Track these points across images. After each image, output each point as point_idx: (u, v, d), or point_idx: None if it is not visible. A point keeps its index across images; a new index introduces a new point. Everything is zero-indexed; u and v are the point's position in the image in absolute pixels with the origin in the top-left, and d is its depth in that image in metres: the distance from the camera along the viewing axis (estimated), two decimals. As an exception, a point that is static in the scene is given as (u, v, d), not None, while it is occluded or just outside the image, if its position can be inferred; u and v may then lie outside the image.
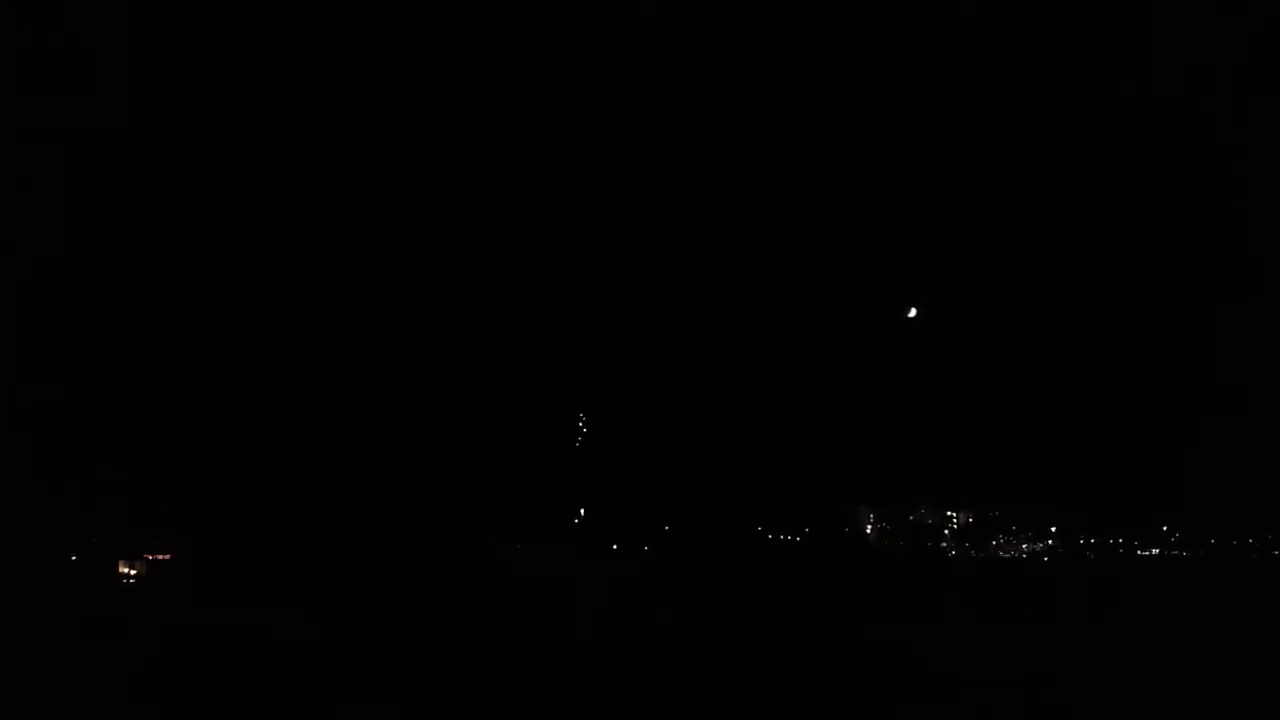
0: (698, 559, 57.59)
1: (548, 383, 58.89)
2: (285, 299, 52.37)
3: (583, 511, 60.28)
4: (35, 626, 22.88)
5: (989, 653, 18.33)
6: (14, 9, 42.96)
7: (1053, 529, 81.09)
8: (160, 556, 45.95)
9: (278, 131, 52.85)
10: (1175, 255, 60.24)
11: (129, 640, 20.39)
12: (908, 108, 60.71)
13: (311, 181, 52.55)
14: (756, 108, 60.60)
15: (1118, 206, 61.76)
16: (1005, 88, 59.61)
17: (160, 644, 19.42)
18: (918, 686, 14.04)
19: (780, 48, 57.99)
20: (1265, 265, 57.16)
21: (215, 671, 15.52)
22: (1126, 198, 61.37)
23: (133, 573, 43.83)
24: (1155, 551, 79.41)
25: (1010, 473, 68.64)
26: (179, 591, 37.78)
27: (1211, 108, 55.46)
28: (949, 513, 79.09)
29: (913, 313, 63.72)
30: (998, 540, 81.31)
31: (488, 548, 52.25)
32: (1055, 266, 63.57)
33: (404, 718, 12.04)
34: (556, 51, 56.14)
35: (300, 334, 52.49)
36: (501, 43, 55.90)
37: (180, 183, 51.29)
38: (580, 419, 60.42)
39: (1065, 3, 56.54)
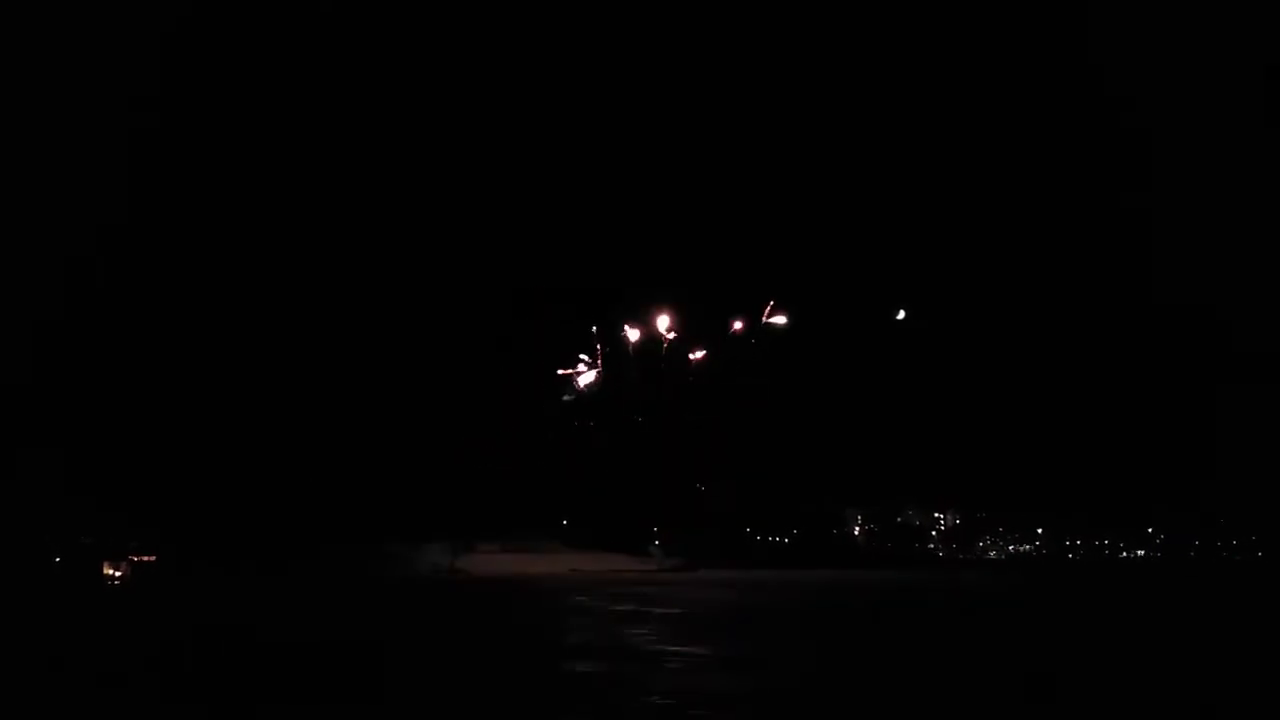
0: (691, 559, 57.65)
1: (534, 382, 58.95)
2: (267, 304, 52.31)
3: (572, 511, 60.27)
4: (22, 625, 22.69)
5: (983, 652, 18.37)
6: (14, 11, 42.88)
7: (1039, 530, 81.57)
8: (145, 558, 45.69)
9: (269, 131, 52.86)
10: (1170, 258, 60.74)
11: (115, 639, 20.24)
12: (901, 116, 61.15)
13: (292, 189, 52.64)
14: (753, 111, 60.94)
15: (1107, 216, 62.29)
16: (995, 95, 60.11)
17: (146, 644, 19.27)
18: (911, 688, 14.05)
19: (777, 53, 58.30)
20: (1258, 267, 57.71)
21: (202, 671, 15.40)
22: (1116, 207, 61.91)
23: (117, 574, 43.57)
24: (1141, 553, 79.97)
25: (998, 474, 69.01)
26: (163, 592, 37.53)
27: (1205, 113, 56.09)
28: (936, 514, 79.39)
29: (901, 315, 64.09)
30: (985, 541, 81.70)
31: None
32: (1045, 273, 64.08)
33: (392, 717, 11.95)
34: (553, 54, 56.36)
35: (285, 336, 52.37)
36: (499, 45, 56.08)
37: (170, 191, 51.32)
38: (571, 417, 60.37)
39: (1056, 15, 57.11)
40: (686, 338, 60.50)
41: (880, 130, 61.98)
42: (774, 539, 70.66)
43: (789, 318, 60.75)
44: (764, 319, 59.20)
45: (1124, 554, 79.96)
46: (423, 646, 18.73)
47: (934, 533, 79.84)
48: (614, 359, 59.63)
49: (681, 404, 61.03)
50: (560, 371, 55.41)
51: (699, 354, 60.66)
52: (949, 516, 79.73)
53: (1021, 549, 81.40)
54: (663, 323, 60.04)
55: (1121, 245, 61.79)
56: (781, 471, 64.19)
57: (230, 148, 52.04)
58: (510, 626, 23.74)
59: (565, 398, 54.73)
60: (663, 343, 60.33)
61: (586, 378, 53.33)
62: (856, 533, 76.28)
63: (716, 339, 61.08)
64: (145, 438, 49.38)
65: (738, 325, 60.28)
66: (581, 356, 56.33)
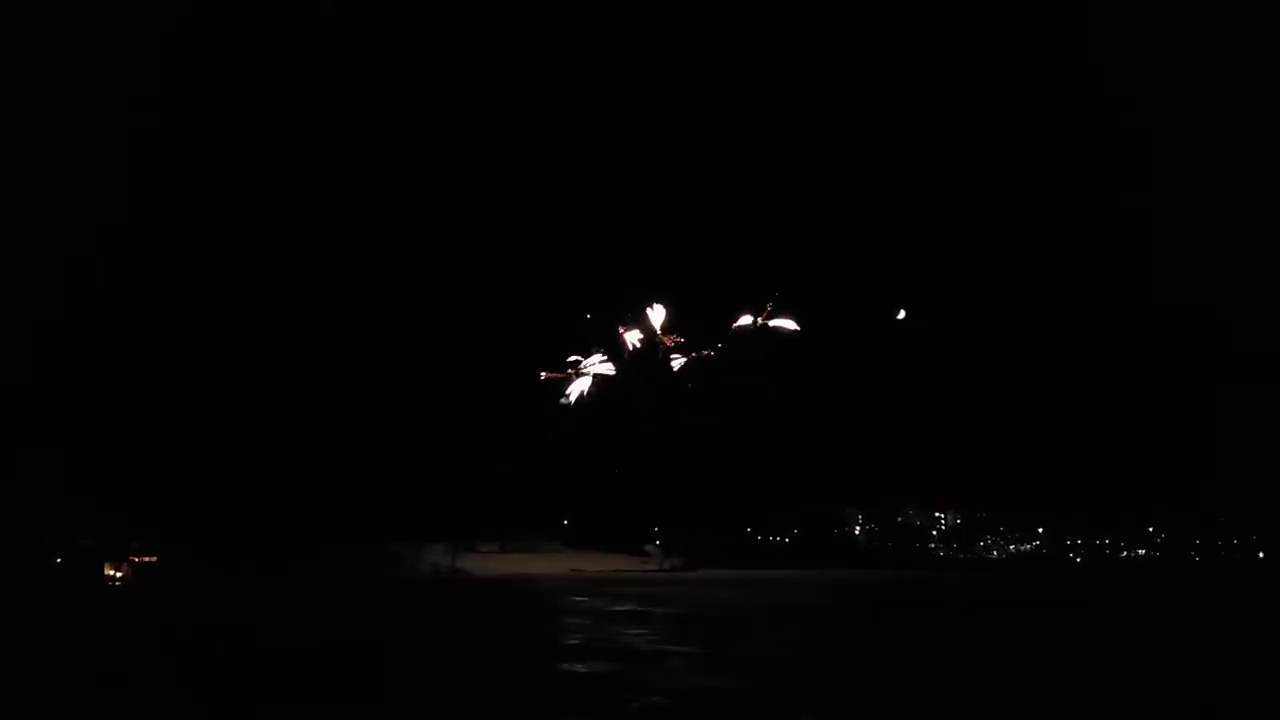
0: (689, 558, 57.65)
1: (534, 382, 58.79)
2: (266, 304, 52.33)
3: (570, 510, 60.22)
4: (19, 627, 22.68)
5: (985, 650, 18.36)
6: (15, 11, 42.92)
7: (1039, 530, 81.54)
8: (146, 559, 45.65)
9: (269, 131, 52.87)
10: (1170, 258, 60.72)
11: (115, 640, 20.23)
12: (901, 116, 61.09)
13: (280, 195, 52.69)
14: (753, 111, 60.87)
15: (1107, 216, 62.26)
16: (995, 95, 60.06)
17: (147, 644, 19.27)
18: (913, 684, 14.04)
19: (777, 53, 58.23)
20: (1258, 267, 57.71)
21: (202, 671, 15.40)
22: (1116, 207, 61.88)
23: (118, 575, 43.53)
24: (1142, 553, 79.99)
25: (998, 474, 69.05)
26: (165, 592, 37.51)
27: (1205, 113, 56.11)
28: (937, 514, 79.40)
29: (901, 315, 63.97)
30: (985, 541, 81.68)
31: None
32: (1045, 274, 64.07)
33: (392, 718, 11.94)
34: (552, 54, 56.33)
35: (284, 336, 52.37)
36: (499, 45, 56.06)
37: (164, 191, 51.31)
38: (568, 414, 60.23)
39: (1056, 15, 57.10)
40: (687, 338, 60.39)
41: (880, 130, 61.95)
42: (775, 539, 70.69)
43: (793, 320, 60.66)
44: (764, 318, 59.09)
45: (1125, 553, 79.95)
46: (423, 647, 18.73)
47: (934, 532, 79.81)
48: (612, 359, 59.52)
49: (681, 404, 60.97)
50: (544, 375, 55.10)
51: (699, 354, 60.56)
52: (949, 516, 79.74)
53: (1022, 549, 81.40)
54: (662, 323, 59.90)
55: (1121, 245, 61.81)
56: (782, 471, 64.18)
57: (230, 148, 52.07)
58: (510, 626, 23.72)
59: (563, 400, 54.42)
60: (662, 343, 60.25)
61: (582, 384, 53.11)
62: (857, 533, 76.27)
63: (717, 339, 61.00)
64: (145, 438, 49.36)
65: (738, 325, 60.18)
66: (573, 358, 56.06)
